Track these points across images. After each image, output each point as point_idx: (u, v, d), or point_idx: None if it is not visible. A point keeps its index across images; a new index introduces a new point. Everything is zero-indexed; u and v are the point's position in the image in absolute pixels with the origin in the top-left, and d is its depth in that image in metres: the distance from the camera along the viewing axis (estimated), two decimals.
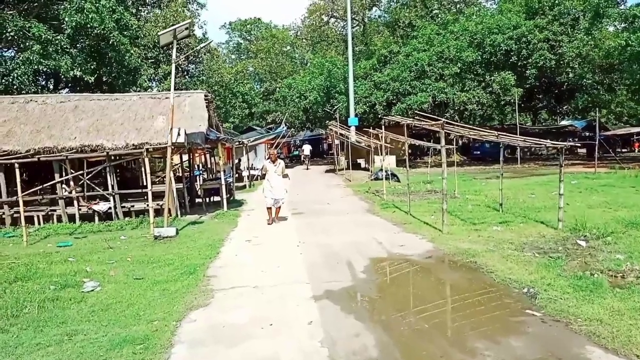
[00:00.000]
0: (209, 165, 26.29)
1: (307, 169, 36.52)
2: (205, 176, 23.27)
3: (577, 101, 37.61)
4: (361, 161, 33.37)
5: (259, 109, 46.40)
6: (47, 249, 10.50)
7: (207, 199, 17.52)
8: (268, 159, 13.21)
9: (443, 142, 9.74)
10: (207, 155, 26.25)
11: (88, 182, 13.49)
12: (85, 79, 20.91)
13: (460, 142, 40.29)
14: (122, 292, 6.91)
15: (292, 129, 43.47)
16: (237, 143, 20.90)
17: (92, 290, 7.16)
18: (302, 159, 40.77)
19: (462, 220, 11.42)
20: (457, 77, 33.87)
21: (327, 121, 37.24)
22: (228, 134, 26.61)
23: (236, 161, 29.90)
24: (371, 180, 23.79)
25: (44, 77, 22.01)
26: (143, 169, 19.01)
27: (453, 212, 12.81)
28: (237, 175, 27.87)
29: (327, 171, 33.71)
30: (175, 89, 12.35)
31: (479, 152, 42.04)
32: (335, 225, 11.92)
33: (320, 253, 8.86)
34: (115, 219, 13.75)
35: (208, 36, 42.31)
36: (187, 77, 38.42)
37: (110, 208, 13.81)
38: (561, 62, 32.45)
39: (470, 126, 12.40)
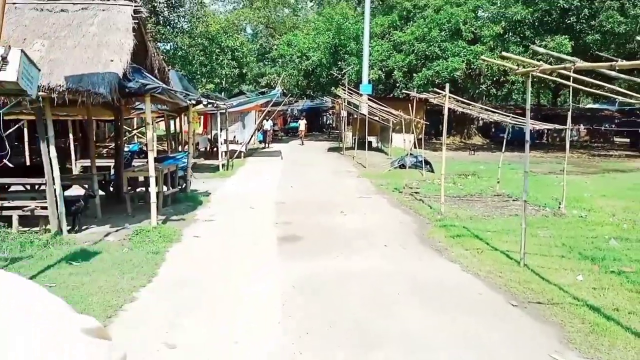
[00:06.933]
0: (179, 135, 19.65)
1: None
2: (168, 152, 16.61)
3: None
4: (372, 139, 26.55)
5: (251, 70, 39.13)
6: None
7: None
8: None
9: None
10: (175, 121, 19.59)
11: None
12: None
13: (481, 121, 33.35)
14: None
15: (290, 96, 36.49)
16: (208, 105, 14.10)
17: None
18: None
19: None
20: (499, 40, 27.02)
21: (332, 88, 30.40)
22: (209, 97, 19.73)
23: (214, 132, 23.29)
24: (394, 168, 17.16)
25: None
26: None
27: (597, 259, 6.36)
28: (213, 149, 21.24)
29: (329, 149, 27.04)
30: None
31: (503, 135, 35.37)
32: (376, 298, 5.17)
33: None
34: None
35: None
36: (167, 26, 31.42)
37: None
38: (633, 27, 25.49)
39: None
